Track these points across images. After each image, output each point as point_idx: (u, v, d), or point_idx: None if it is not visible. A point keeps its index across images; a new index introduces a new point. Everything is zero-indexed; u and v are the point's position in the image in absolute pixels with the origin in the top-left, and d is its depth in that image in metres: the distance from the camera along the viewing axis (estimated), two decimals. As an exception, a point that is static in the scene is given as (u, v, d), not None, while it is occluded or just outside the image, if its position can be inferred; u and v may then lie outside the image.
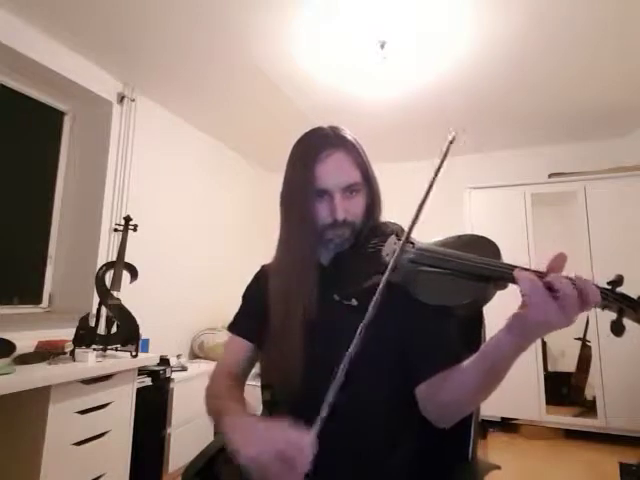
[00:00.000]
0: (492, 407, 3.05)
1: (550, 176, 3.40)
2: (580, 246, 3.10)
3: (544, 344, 3.32)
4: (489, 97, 2.84)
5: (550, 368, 3.45)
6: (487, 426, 3.11)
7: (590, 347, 3.06)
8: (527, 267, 0.58)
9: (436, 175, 0.68)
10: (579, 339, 3.24)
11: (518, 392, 3.01)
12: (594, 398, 3.01)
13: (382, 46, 2.22)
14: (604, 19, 2.05)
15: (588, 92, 2.78)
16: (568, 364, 3.44)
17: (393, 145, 3.68)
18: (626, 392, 2.87)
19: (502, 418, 3.15)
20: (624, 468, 2.16)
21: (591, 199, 3.13)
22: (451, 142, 0.69)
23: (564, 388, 3.33)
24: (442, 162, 0.68)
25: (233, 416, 0.73)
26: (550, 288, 0.54)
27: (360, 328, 0.62)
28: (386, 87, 2.71)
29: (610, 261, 2.96)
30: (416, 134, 3.43)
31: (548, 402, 3.06)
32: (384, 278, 0.65)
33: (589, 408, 3.08)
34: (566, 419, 3.06)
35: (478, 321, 0.96)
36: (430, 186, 0.68)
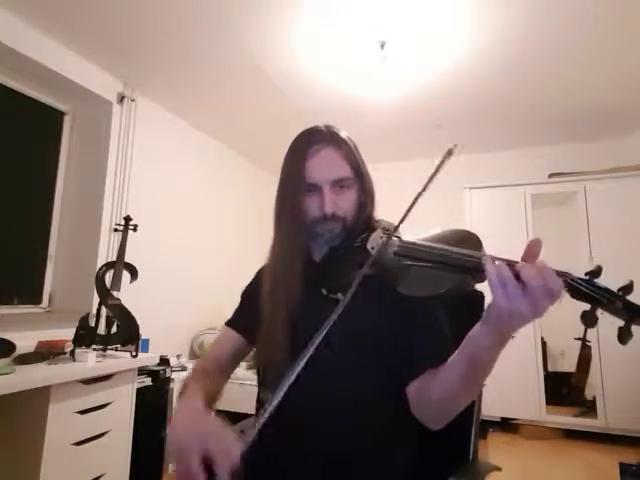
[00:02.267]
0: (492, 407, 3.05)
1: (550, 176, 3.40)
2: (580, 246, 3.10)
3: (544, 344, 3.32)
4: (489, 97, 2.84)
5: (550, 368, 3.45)
6: (487, 426, 3.11)
7: (590, 347, 3.06)
8: (499, 257, 0.59)
9: (430, 181, 0.69)
10: (579, 339, 3.24)
11: (518, 392, 3.02)
12: (594, 398, 3.01)
13: (382, 46, 2.22)
14: (604, 19, 2.05)
15: (588, 92, 2.78)
16: (568, 364, 3.44)
17: (393, 145, 3.68)
18: (626, 392, 2.88)
19: (502, 418, 3.15)
20: (624, 468, 2.16)
21: (591, 199, 3.13)
22: (449, 154, 0.70)
23: (564, 388, 3.33)
24: (436, 171, 0.69)
25: (186, 399, 0.74)
26: (517, 277, 0.54)
27: (331, 319, 0.62)
28: (386, 87, 2.71)
29: (610, 261, 2.95)
30: (416, 134, 3.43)
31: (548, 402, 3.06)
32: (364, 268, 0.67)
33: (589, 408, 3.08)
34: (566, 419, 3.06)
35: (479, 317, 0.96)
36: (423, 189, 0.69)
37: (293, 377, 0.58)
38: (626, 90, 2.74)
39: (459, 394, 0.70)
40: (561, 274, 0.55)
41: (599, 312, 0.54)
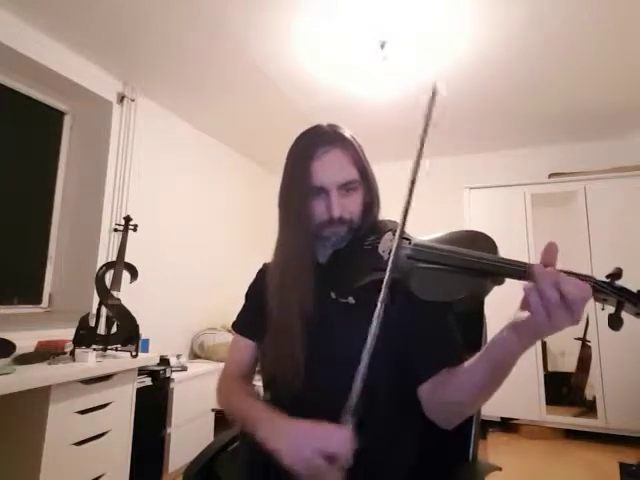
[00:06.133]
0: (492, 407, 3.05)
1: (550, 176, 3.40)
2: (580, 246, 3.10)
3: (544, 344, 3.32)
4: (489, 97, 2.84)
5: (550, 368, 3.46)
6: (487, 426, 3.11)
7: (590, 347, 3.06)
8: (524, 262, 0.59)
9: (422, 147, 0.69)
10: (579, 339, 3.24)
11: (518, 392, 3.01)
12: (594, 398, 3.01)
13: (382, 46, 2.22)
14: (604, 19, 2.05)
15: (588, 92, 2.77)
16: (568, 364, 3.44)
17: (393, 145, 3.67)
18: (626, 392, 2.87)
19: (502, 418, 3.15)
20: (624, 468, 2.16)
21: (591, 199, 3.13)
22: (433, 95, 0.70)
23: (564, 388, 3.33)
24: (426, 127, 0.68)
25: (261, 414, 0.74)
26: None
27: (374, 324, 0.63)
28: (386, 87, 2.71)
29: (610, 261, 2.95)
30: (416, 134, 3.42)
31: (548, 402, 3.06)
32: (387, 275, 0.65)
33: (589, 408, 3.08)
34: (566, 419, 3.06)
35: (479, 319, 0.96)
36: (417, 162, 0.69)
37: (360, 379, 0.62)
38: (626, 90, 2.73)
39: (478, 396, 0.70)
40: (585, 278, 0.54)
41: (623, 314, 0.54)
